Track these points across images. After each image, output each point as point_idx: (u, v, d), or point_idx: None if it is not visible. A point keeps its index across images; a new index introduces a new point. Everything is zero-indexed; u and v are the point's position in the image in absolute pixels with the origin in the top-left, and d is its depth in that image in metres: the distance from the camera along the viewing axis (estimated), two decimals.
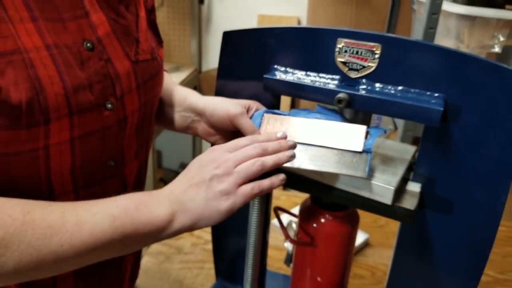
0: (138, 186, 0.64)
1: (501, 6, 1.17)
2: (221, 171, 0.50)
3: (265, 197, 0.60)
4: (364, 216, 0.98)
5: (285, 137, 0.56)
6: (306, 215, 0.65)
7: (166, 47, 2.08)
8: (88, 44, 0.50)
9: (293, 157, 0.54)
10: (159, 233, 0.48)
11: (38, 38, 0.45)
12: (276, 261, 0.96)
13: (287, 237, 0.64)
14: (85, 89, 0.49)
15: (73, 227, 0.44)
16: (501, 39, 1.14)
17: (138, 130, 0.58)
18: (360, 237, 1.04)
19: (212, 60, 2.08)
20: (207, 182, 0.49)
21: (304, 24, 1.93)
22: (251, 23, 1.98)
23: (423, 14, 1.14)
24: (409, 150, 0.62)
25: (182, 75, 1.93)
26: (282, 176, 0.53)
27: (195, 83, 2.07)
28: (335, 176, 0.56)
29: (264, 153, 0.52)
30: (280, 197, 1.20)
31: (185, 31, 2.01)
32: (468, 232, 0.56)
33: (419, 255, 0.61)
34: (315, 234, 0.64)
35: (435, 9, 1.10)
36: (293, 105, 1.87)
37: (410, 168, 0.59)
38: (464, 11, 1.14)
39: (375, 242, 1.05)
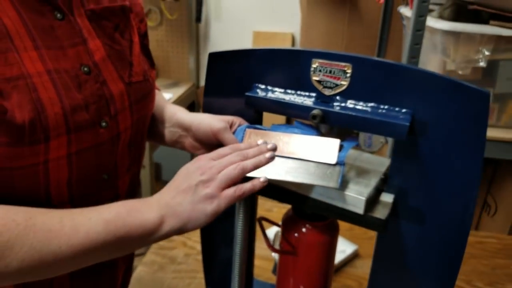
0: (131, 197, 0.68)
1: (486, 21, 1.21)
2: (206, 177, 0.54)
3: (250, 208, 0.64)
4: (355, 227, 1.01)
5: (265, 145, 0.59)
6: (288, 225, 0.68)
7: (166, 63, 2.14)
8: (85, 69, 0.55)
9: (272, 158, 0.57)
10: (150, 235, 0.52)
11: (40, 64, 0.50)
12: (265, 271, 0.99)
13: (269, 246, 0.67)
14: (82, 109, 0.53)
15: (71, 231, 0.48)
16: (486, 53, 1.18)
17: (130, 146, 0.62)
18: (350, 248, 1.07)
19: None
20: (194, 187, 0.53)
21: (298, 40, 1.98)
22: (247, 40, 2.04)
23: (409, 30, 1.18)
24: (385, 163, 0.65)
25: (180, 90, 1.98)
26: (263, 178, 0.56)
27: (193, 97, 2.12)
28: (310, 186, 0.59)
29: (245, 159, 0.56)
30: (273, 209, 1.23)
31: (183, 48, 2.07)
32: (440, 241, 0.59)
33: (395, 263, 0.64)
34: (296, 243, 0.67)
35: (419, 26, 1.14)
36: (288, 122, 1.90)
37: (385, 180, 0.63)
38: (449, 27, 1.18)
39: (365, 253, 1.08)
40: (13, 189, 0.50)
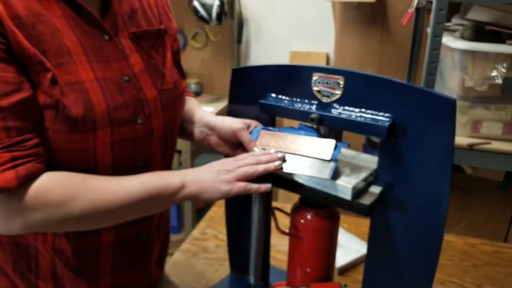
0: None
1: (504, 41, 1.28)
2: (227, 168, 0.70)
3: (265, 199, 0.77)
4: None
5: (276, 154, 0.73)
6: (296, 213, 0.80)
7: (209, 81, 2.33)
8: (126, 78, 0.71)
9: (279, 166, 0.71)
10: (174, 195, 0.68)
11: (91, 73, 0.66)
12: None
13: (278, 228, 0.79)
14: (122, 109, 0.69)
15: (116, 189, 0.64)
16: (502, 71, 1.24)
17: (163, 140, 0.77)
18: (364, 248, 1.16)
19: None
20: (216, 171, 0.69)
21: (332, 59, 2.09)
22: (284, 59, 2.18)
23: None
24: (377, 161, 0.76)
25: (222, 104, 2.15)
26: (268, 185, 0.71)
27: None
28: (311, 178, 0.71)
29: (259, 162, 0.71)
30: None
31: (226, 66, 2.24)
32: (421, 225, 0.69)
33: (385, 246, 0.73)
34: (302, 228, 0.79)
35: (435, 45, 1.23)
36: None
37: (376, 175, 0.73)
38: (465, 47, 1.26)
39: None
40: (69, 167, 0.66)
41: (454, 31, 1.47)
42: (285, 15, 2.15)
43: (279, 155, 0.72)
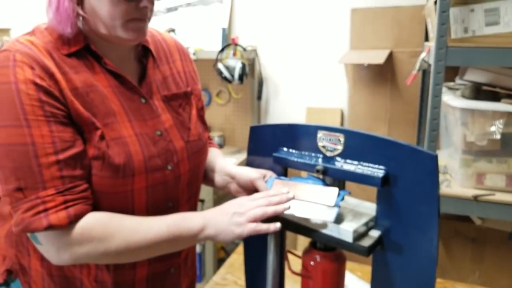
0: None
1: (499, 99, 1.39)
2: (241, 210, 0.79)
3: (279, 244, 0.87)
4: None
5: (286, 195, 0.83)
6: (306, 255, 0.89)
7: (232, 134, 2.48)
8: (158, 132, 0.84)
9: (287, 208, 0.81)
10: (195, 237, 0.78)
11: (131, 130, 0.80)
12: None
13: (290, 269, 0.88)
14: (155, 158, 0.82)
15: (146, 230, 0.75)
16: (500, 127, 1.34)
17: (188, 184, 0.90)
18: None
19: None
20: (231, 214, 0.79)
21: (347, 115, 2.22)
22: (301, 115, 2.32)
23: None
24: None
25: (243, 156, 2.28)
26: (277, 225, 0.79)
27: None
28: (319, 223, 0.81)
29: (270, 204, 0.80)
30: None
31: (247, 121, 2.40)
32: (415, 268, 0.77)
33: (385, 284, 0.81)
34: (312, 269, 0.87)
35: (436, 104, 1.34)
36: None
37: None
38: (464, 105, 1.37)
39: None
40: (112, 207, 0.78)
41: (457, 89, 1.58)
42: (302, 74, 2.31)
43: (290, 194, 0.82)
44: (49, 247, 0.75)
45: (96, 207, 0.77)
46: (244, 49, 2.13)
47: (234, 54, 2.08)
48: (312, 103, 2.31)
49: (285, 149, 0.90)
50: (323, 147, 0.83)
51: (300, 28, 2.27)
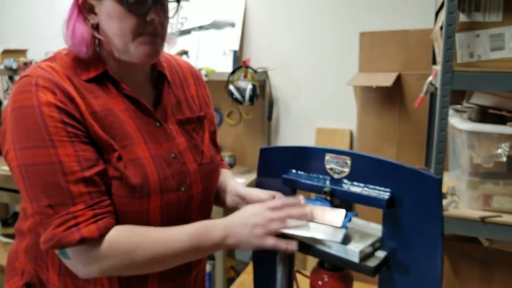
0: None
1: (505, 122, 1.40)
2: (261, 223, 0.81)
3: (288, 263, 0.89)
4: None
5: (305, 205, 0.85)
6: (314, 275, 0.91)
7: (242, 154, 2.51)
8: (173, 155, 0.88)
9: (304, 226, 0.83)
10: (217, 246, 0.81)
11: (147, 152, 0.84)
12: None
13: None
14: (169, 179, 0.85)
15: (170, 239, 0.79)
16: (506, 149, 1.35)
17: (201, 205, 0.93)
18: None
19: None
20: (251, 225, 0.81)
21: (356, 136, 2.24)
22: (310, 135, 2.35)
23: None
24: None
25: (253, 176, 2.31)
26: (295, 244, 0.81)
27: None
28: (326, 244, 0.83)
29: (289, 216, 0.82)
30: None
31: (257, 141, 2.43)
32: (421, 287, 0.78)
33: None
34: None
35: (442, 127, 1.37)
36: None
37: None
38: (470, 128, 1.38)
39: None
40: (126, 223, 0.81)
41: (464, 112, 1.60)
42: (311, 95, 2.35)
43: (308, 208, 0.84)
44: (77, 261, 0.78)
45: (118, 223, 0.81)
46: (255, 71, 2.19)
47: (245, 76, 2.13)
48: (321, 124, 2.34)
49: (293, 171, 0.93)
50: (331, 169, 0.86)
51: (310, 51, 2.32)
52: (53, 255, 0.85)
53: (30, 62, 2.72)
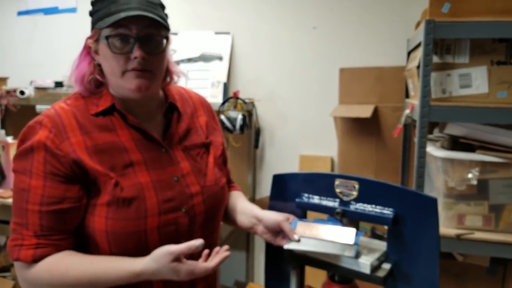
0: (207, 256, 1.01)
1: (474, 150, 1.58)
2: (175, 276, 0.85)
3: (300, 277, 0.98)
4: None
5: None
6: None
7: None
8: (175, 178, 0.95)
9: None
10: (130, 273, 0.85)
11: (148, 177, 0.91)
12: None
13: None
14: (170, 201, 0.92)
15: (76, 267, 0.86)
16: (476, 174, 1.52)
17: (204, 225, 0.98)
18: None
19: (264, 190, 2.55)
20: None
21: (336, 162, 2.39)
22: (294, 162, 2.47)
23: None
24: (385, 245, 0.99)
25: None
26: (200, 241, 0.85)
27: None
28: (339, 258, 0.94)
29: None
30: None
31: (243, 167, 2.53)
32: None
33: None
34: None
35: (421, 154, 1.52)
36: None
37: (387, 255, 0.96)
38: (445, 155, 1.55)
39: None
40: (127, 247, 0.88)
41: (436, 141, 1.78)
42: (295, 125, 2.49)
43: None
44: (18, 274, 0.90)
45: (112, 247, 0.88)
46: (244, 102, 2.31)
47: (235, 107, 2.24)
48: (304, 151, 2.47)
49: (306, 194, 1.03)
50: (340, 192, 0.98)
51: (294, 84, 2.47)
52: None
53: (14, 91, 2.71)
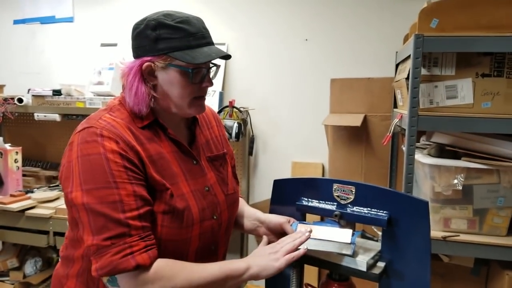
0: (223, 259, 1.09)
1: (460, 157, 1.65)
2: (273, 250, 0.95)
3: (299, 276, 1.03)
4: None
5: (306, 232, 1.00)
6: (325, 285, 1.06)
7: None
8: (206, 188, 1.01)
9: (309, 237, 0.97)
10: (242, 275, 0.91)
11: (188, 187, 0.97)
12: None
13: None
14: (205, 209, 0.98)
15: (202, 269, 0.89)
16: (461, 180, 1.60)
17: (226, 231, 1.06)
18: None
19: (257, 195, 2.60)
20: (267, 254, 0.94)
21: (327, 169, 2.45)
22: (287, 168, 2.53)
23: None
24: (379, 245, 1.05)
25: None
26: (304, 248, 0.95)
27: None
28: (337, 256, 0.99)
29: (295, 243, 0.96)
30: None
31: (238, 174, 2.57)
32: None
33: None
34: None
35: (410, 161, 1.59)
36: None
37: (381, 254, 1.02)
38: (431, 162, 1.62)
39: None
40: (172, 252, 0.92)
41: (423, 148, 1.85)
42: (287, 133, 2.56)
43: (306, 234, 0.98)
44: (126, 286, 0.86)
45: (159, 253, 0.91)
46: (240, 111, 2.36)
47: (231, 115, 2.30)
48: (296, 158, 2.53)
49: (305, 198, 1.09)
50: (338, 196, 1.04)
51: (287, 93, 2.54)
52: None
53: (12, 98, 2.73)
